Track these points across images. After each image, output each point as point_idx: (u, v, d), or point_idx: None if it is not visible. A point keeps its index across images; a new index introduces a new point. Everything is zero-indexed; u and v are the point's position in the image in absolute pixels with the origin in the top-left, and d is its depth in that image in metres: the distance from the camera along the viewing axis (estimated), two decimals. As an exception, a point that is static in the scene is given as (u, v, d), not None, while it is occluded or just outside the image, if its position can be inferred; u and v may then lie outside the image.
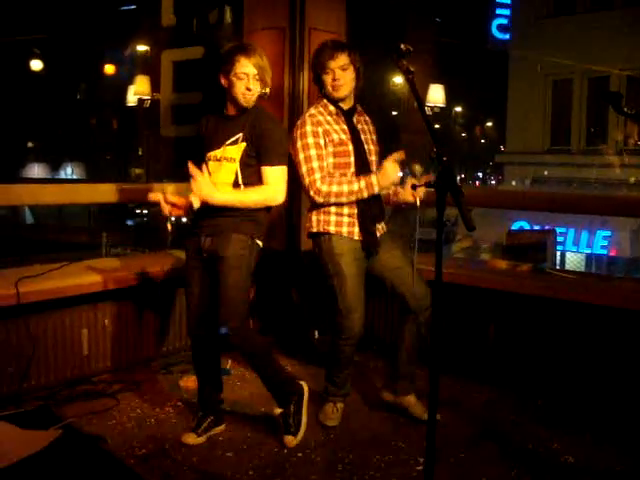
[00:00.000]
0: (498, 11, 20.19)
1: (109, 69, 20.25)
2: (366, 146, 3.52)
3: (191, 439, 3.38)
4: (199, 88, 6.71)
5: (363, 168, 3.46)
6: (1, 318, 3.75)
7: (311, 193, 3.43)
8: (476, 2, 20.86)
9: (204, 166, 3.26)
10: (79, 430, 3.42)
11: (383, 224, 3.62)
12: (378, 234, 3.55)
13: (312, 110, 3.53)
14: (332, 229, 3.47)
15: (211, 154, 3.31)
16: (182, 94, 6.96)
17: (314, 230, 3.54)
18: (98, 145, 29.91)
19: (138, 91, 6.46)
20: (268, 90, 3.35)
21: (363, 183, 3.37)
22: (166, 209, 3.22)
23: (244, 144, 3.25)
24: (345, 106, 3.50)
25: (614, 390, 3.84)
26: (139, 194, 4.78)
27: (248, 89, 3.19)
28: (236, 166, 3.26)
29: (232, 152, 3.26)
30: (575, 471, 3.18)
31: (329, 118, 3.48)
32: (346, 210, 3.46)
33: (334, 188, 3.39)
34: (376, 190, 3.38)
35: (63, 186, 4.94)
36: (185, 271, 3.42)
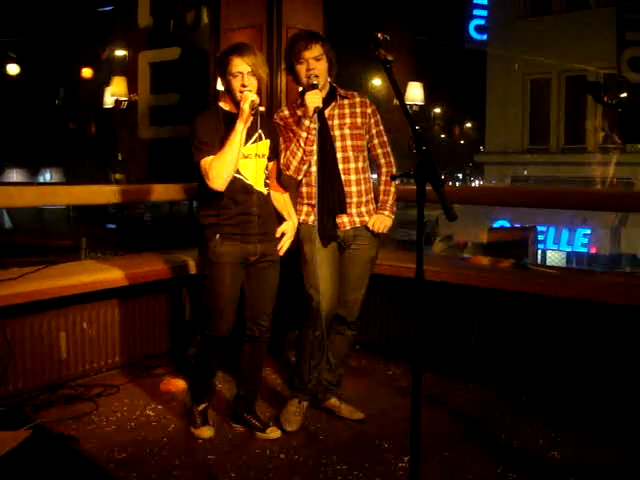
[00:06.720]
0: (475, 12, 20.26)
1: (87, 72, 20.05)
2: (337, 132, 3.45)
3: (208, 432, 3.49)
4: (176, 89, 6.66)
5: (324, 155, 3.40)
6: (-24, 322, 3.68)
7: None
8: (453, 3, 20.92)
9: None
10: (49, 430, 3.33)
11: (356, 217, 3.52)
12: (345, 227, 3.49)
13: None
14: (301, 218, 3.54)
15: None
16: (159, 95, 6.90)
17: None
18: (77, 150, 29.69)
19: (115, 92, 6.39)
20: (264, 85, 3.39)
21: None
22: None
23: (268, 140, 3.37)
24: None
25: (598, 384, 3.83)
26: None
27: (243, 85, 3.23)
28: (265, 162, 3.37)
29: (261, 149, 3.35)
30: (561, 468, 3.16)
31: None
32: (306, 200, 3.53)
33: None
34: (305, 122, 3.35)
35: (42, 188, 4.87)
36: (218, 276, 3.30)
